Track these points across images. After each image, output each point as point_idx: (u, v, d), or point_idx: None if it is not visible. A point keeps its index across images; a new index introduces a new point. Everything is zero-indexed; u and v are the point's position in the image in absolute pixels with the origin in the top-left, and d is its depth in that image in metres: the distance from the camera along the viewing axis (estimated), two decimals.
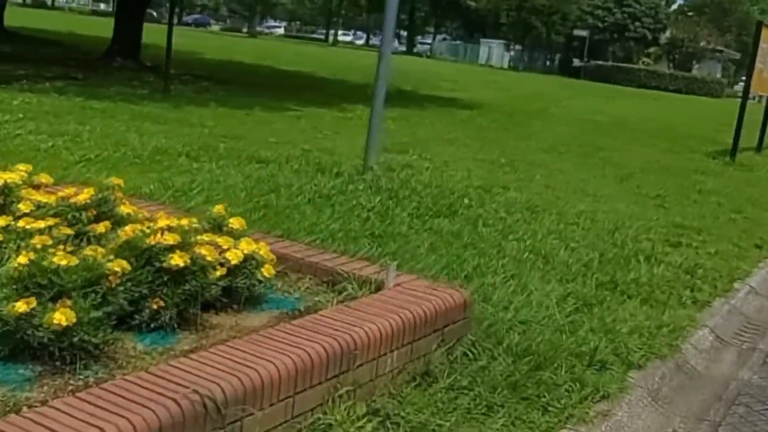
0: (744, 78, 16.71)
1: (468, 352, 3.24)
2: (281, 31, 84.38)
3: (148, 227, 2.82)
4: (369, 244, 4.53)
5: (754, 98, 16.94)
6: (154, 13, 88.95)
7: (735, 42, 57.46)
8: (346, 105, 13.26)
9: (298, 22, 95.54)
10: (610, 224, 6.24)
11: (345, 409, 2.60)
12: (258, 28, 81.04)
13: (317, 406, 2.54)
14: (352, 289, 3.24)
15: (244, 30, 69.11)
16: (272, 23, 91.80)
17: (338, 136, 9.38)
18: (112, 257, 2.52)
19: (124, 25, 16.28)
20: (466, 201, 6.17)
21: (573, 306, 4.11)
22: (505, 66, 58.38)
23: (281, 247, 3.55)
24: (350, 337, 2.65)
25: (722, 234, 6.62)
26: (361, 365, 2.71)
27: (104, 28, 21.41)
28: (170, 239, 2.70)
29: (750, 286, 5.37)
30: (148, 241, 2.69)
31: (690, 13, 61.88)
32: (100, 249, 2.52)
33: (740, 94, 14.06)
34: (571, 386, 3.19)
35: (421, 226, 5.22)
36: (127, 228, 2.78)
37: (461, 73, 34.79)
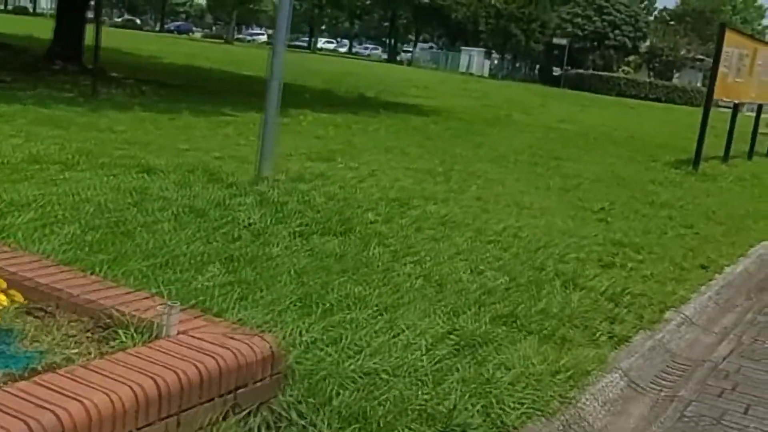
0: None
1: (272, 421, 2.51)
2: (264, 38, 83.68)
3: None
4: (218, 270, 3.80)
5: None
6: (138, 20, 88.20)
7: None
8: (293, 110, 12.51)
9: None
10: (536, 242, 5.52)
11: None
12: (240, 35, 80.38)
13: None
14: (126, 337, 2.51)
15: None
16: (256, 31, 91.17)
17: None
18: None
19: (65, 27, 15.50)
20: (370, 216, 5.43)
21: (451, 348, 3.39)
22: (486, 74, 57.83)
23: (58, 280, 2.80)
24: (53, 417, 1.91)
25: (665, 252, 5.93)
26: None
27: None
28: None
29: (684, 315, 4.66)
30: None
31: (671, 22, 61.53)
32: None
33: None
34: None
35: (300, 246, 4.49)
36: None
37: (437, 81, 34.13)
